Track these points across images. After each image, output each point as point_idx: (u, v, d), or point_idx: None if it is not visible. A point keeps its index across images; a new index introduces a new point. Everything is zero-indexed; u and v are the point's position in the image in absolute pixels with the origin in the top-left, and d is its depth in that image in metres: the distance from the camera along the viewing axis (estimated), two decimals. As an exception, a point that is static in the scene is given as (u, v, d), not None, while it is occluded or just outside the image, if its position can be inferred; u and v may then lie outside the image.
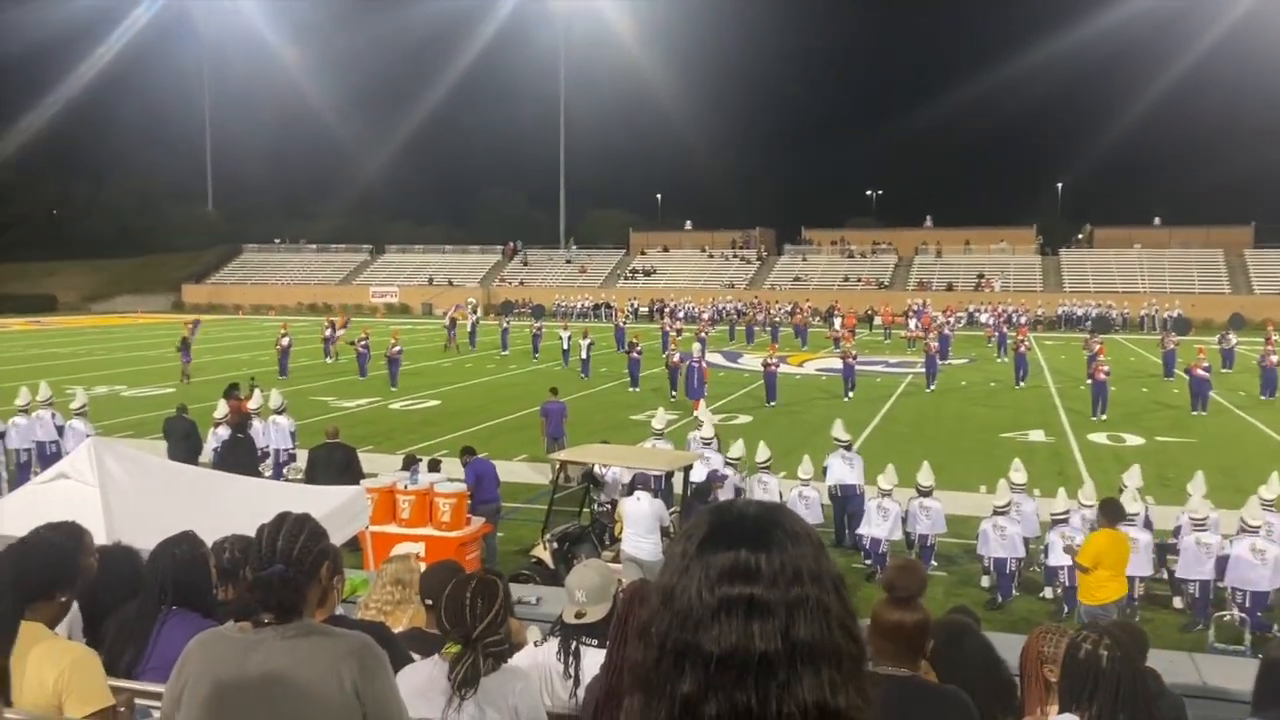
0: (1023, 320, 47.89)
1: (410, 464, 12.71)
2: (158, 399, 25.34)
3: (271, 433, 16.36)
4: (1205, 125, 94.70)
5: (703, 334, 35.38)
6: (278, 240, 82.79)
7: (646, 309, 61.17)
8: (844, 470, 13.72)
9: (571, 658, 4.17)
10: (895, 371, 33.79)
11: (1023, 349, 31.12)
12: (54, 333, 50.55)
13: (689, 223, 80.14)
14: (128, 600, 3.91)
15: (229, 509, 6.85)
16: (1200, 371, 24.98)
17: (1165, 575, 11.41)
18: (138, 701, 3.40)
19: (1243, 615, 9.93)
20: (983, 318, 52.56)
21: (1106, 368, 24.96)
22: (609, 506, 12.35)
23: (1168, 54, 78.88)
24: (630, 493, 11.05)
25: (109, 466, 7.39)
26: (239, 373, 27.53)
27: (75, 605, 3.66)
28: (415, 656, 3.92)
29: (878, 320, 51.77)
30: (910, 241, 70.93)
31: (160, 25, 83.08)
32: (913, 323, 47.28)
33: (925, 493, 12.50)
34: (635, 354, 29.29)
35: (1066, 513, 11.32)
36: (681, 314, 56.50)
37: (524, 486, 16.40)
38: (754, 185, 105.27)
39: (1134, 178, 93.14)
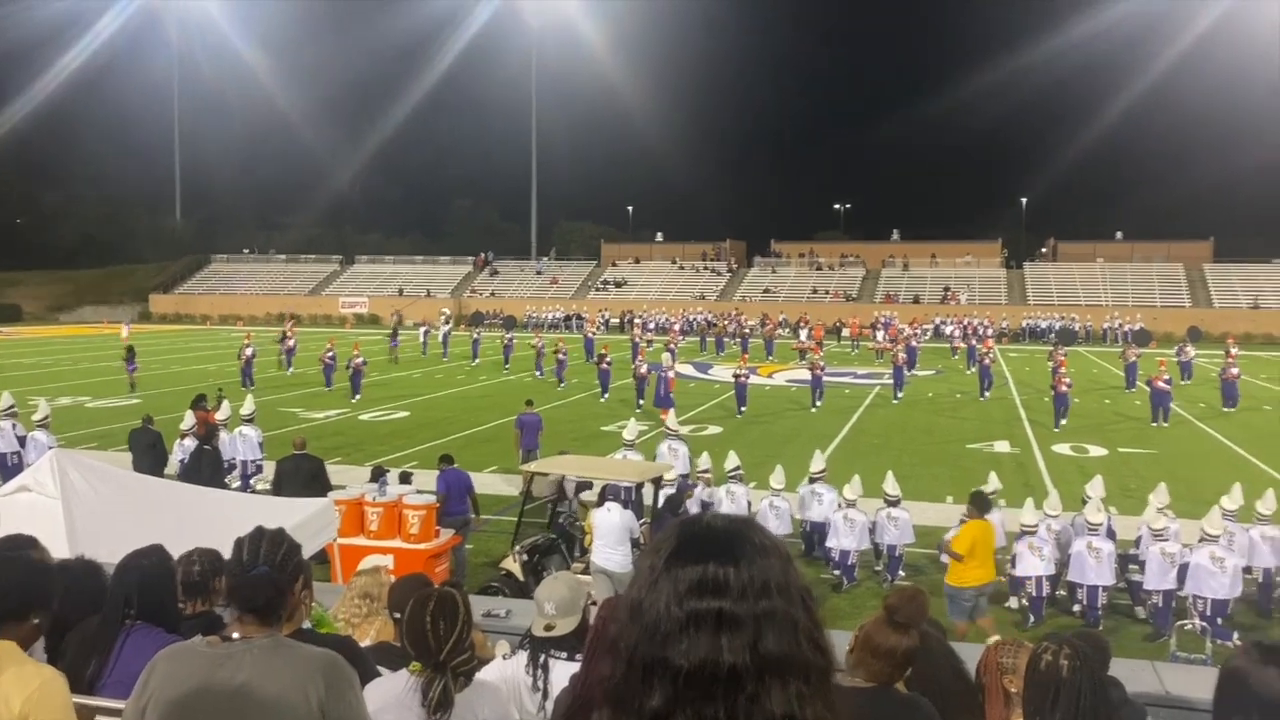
0: (988, 333, 48.34)
1: (378, 476, 12.63)
2: (122, 410, 25.03)
3: (238, 444, 16.19)
4: (1166, 142, 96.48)
5: (673, 345, 35.46)
6: (247, 250, 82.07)
7: (617, 320, 61.24)
8: (814, 508, 13.39)
9: (540, 670, 4.16)
10: (863, 383, 34.01)
11: (987, 361, 31.45)
12: (18, 343, 49.75)
13: (660, 235, 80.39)
14: (90, 615, 3.86)
15: (195, 521, 6.78)
16: (1161, 384, 25.33)
17: (1126, 585, 11.55)
18: (98, 718, 3.36)
19: (1204, 624, 10.07)
20: (947, 329, 53.05)
21: (1068, 380, 25.29)
22: (571, 519, 12.31)
23: (1129, 73, 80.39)
24: (601, 504, 11.04)
25: (72, 479, 7.29)
26: (206, 384, 27.25)
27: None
28: (382, 671, 3.89)
29: (846, 332, 52.12)
30: (878, 255, 71.58)
31: (130, 32, 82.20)
32: (880, 334, 47.63)
33: (893, 503, 12.59)
34: (604, 365, 29.36)
35: (1036, 525, 11.45)
36: (652, 325, 56.63)
37: (494, 498, 16.34)
38: (724, 198, 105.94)
39: (1096, 193, 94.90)
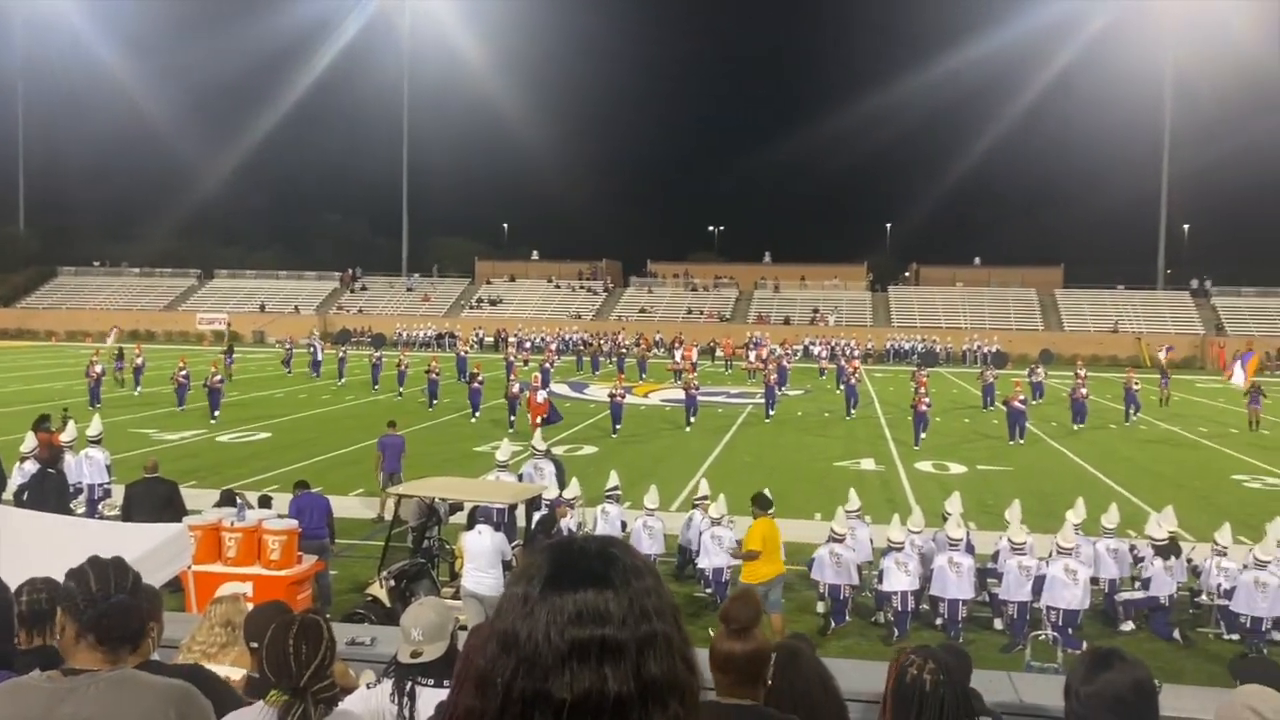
0: (854, 354, 49.88)
1: (228, 501, 12.04)
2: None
3: (84, 467, 15.28)
4: (1022, 175, 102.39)
5: (547, 364, 35.34)
6: (97, 263, 77.90)
7: (492, 339, 60.67)
8: (716, 555, 12.50)
9: (406, 699, 4.03)
10: (736, 402, 34.54)
11: (854, 381, 32.42)
12: None
13: (535, 253, 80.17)
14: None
15: (36, 549, 6.35)
16: (1017, 404, 26.61)
17: (987, 598, 12.00)
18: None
19: (1055, 634, 10.53)
20: (815, 350, 54.57)
21: (928, 399, 26.30)
22: (442, 542, 12.04)
23: (991, 110, 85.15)
24: (471, 527, 10.83)
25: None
26: (50, 403, 25.69)
27: None
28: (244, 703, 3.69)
29: (719, 352, 52.98)
30: (750, 276, 73.24)
31: (-30, 30, 77.41)
32: (751, 354, 48.62)
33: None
34: (476, 384, 29.00)
35: (903, 542, 11.78)
36: (528, 344, 56.34)
37: (360, 523, 15.87)
38: (601, 218, 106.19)
39: (957, 220, 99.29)
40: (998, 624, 11.73)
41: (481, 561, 10.33)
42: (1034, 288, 67.82)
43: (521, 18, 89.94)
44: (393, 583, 10.69)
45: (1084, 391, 30.22)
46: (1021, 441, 26.13)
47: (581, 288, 72.34)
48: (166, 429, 25.42)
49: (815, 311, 66.31)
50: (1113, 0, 67.43)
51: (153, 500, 11.93)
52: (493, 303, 70.03)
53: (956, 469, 22.17)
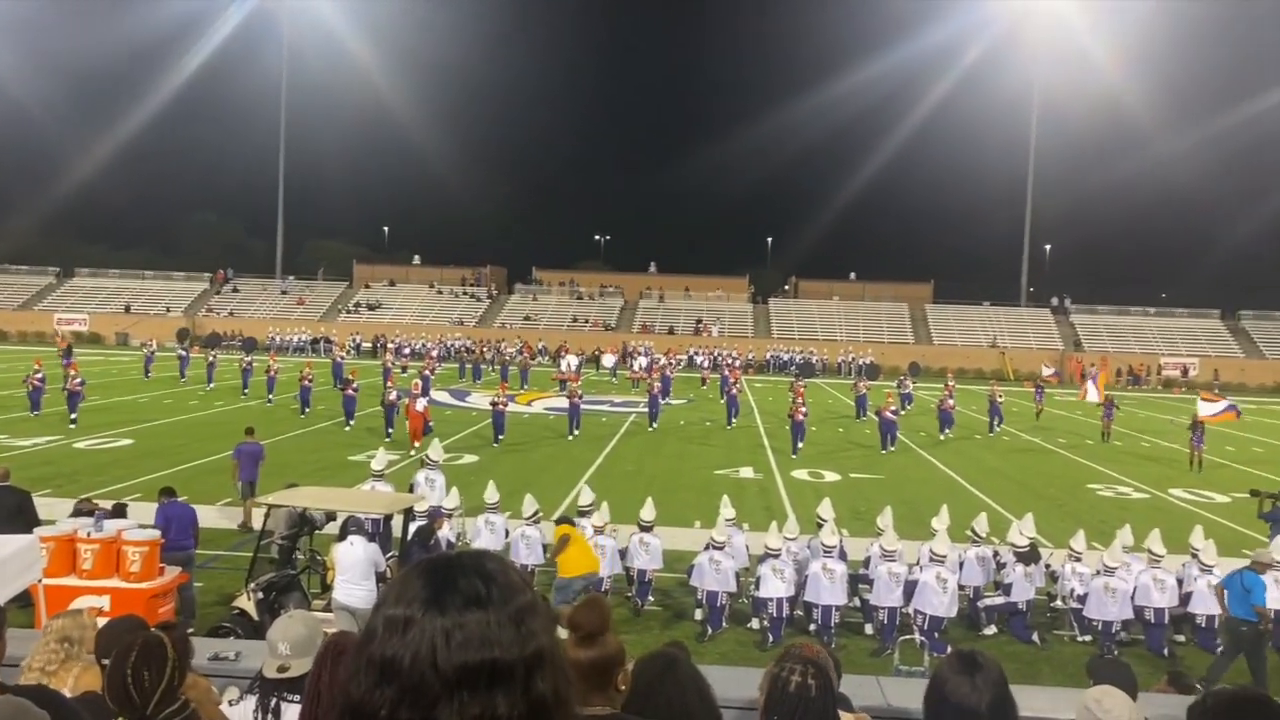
0: (736, 364, 50.63)
1: (83, 513, 11.42)
2: None
3: (-76, 475, 14.30)
4: (895, 194, 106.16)
5: (427, 371, 34.74)
6: (-57, 258, 73.31)
7: (370, 344, 59.38)
8: (642, 557, 12.74)
9: (270, 715, 3.89)
10: (619, 411, 34.65)
11: (735, 391, 32.93)
12: None
13: (417, 257, 78.83)
14: None
15: None
16: (889, 413, 27.51)
17: (859, 603, 12.32)
18: None
19: (923, 639, 10.88)
20: (699, 360, 55.22)
21: (804, 409, 26.92)
22: (313, 553, 11.67)
23: (869, 134, 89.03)
24: (343, 538, 10.54)
25: None
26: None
27: None
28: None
29: (606, 360, 53.06)
30: (636, 286, 73.68)
31: None
32: (636, 363, 48.84)
33: (646, 528, 12.80)
34: (351, 391, 28.29)
35: (779, 549, 11.99)
36: (406, 350, 55.31)
37: (226, 533, 15.29)
38: (485, 223, 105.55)
39: (835, 237, 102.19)
40: (868, 629, 12.05)
41: (354, 574, 10.05)
42: (906, 302, 70.21)
43: (409, 17, 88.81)
44: (261, 595, 10.32)
45: (951, 402, 31.43)
46: (893, 448, 26.96)
47: (465, 294, 71.45)
48: (18, 435, 24.01)
49: (699, 322, 67.11)
50: (985, 35, 70.69)
51: (2, 510, 11.25)
52: (371, 307, 68.56)
53: (831, 476, 22.71)
